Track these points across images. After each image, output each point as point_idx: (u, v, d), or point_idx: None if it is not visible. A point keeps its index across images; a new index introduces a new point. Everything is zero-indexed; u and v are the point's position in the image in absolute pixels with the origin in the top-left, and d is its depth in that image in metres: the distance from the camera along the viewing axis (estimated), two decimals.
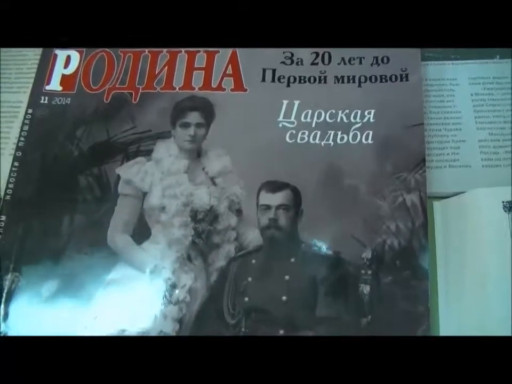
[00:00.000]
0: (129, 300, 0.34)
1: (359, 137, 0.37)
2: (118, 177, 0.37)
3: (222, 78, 0.40)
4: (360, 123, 0.37)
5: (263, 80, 0.39)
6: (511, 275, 0.33)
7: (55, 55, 0.42)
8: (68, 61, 0.42)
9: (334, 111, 0.37)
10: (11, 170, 0.38)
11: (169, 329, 0.33)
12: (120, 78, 0.41)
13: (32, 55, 0.46)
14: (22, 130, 0.40)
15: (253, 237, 0.35)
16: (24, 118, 0.40)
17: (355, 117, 0.37)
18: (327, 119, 0.38)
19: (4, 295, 0.35)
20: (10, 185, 0.38)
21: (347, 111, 0.37)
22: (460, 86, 0.41)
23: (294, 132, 0.37)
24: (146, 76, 0.40)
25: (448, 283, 0.34)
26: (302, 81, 0.39)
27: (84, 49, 0.43)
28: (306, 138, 0.37)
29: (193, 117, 0.39)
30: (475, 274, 0.33)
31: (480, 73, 0.41)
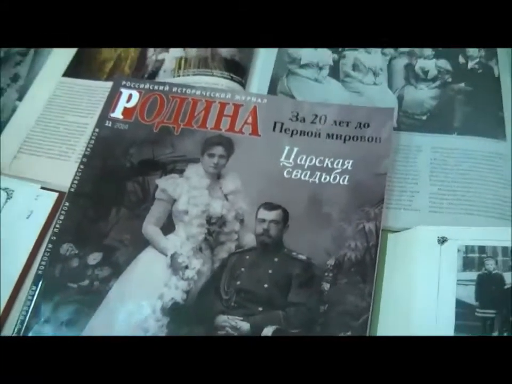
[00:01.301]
0: (152, 274, 0.48)
1: (338, 179, 0.51)
2: (157, 186, 0.52)
3: (243, 125, 0.55)
4: (340, 169, 0.51)
5: (273, 130, 0.54)
6: (436, 289, 0.46)
7: (121, 92, 0.58)
8: (130, 97, 0.57)
9: (322, 158, 0.52)
10: (77, 171, 0.53)
11: (179, 297, 0.46)
12: (168, 115, 0.56)
13: (101, 90, 0.62)
14: (88, 143, 0.55)
15: (249, 240, 0.49)
16: (92, 134, 0.55)
17: (337, 164, 0.52)
18: (316, 163, 0.52)
19: (62, 259, 0.49)
20: (75, 182, 0.53)
21: (332, 159, 0.52)
22: (423, 152, 0.55)
23: (290, 170, 0.52)
24: (187, 116, 0.56)
25: (389, 290, 0.47)
26: (302, 134, 0.54)
27: (143, 90, 0.58)
28: (299, 176, 0.51)
29: (218, 150, 0.53)
30: (406, 287, 0.46)
31: (441, 144, 0.56)
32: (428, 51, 0.62)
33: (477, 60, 0.61)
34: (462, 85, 0.59)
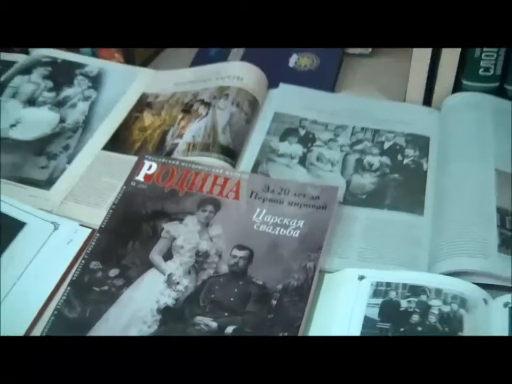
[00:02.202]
0: (153, 286, 0.69)
1: (291, 232, 0.73)
2: (163, 228, 0.74)
3: (229, 192, 0.78)
4: (295, 226, 0.73)
5: (250, 197, 0.77)
6: (351, 309, 0.66)
7: (144, 163, 0.82)
8: (150, 167, 0.81)
9: (282, 218, 0.74)
10: (106, 214, 0.76)
11: (170, 302, 0.67)
12: (176, 181, 0.79)
13: (130, 161, 0.85)
14: (117, 196, 0.78)
15: (224, 269, 0.71)
16: (120, 190, 0.79)
17: (293, 223, 0.74)
18: (278, 221, 0.74)
19: (90, 271, 0.71)
20: (105, 221, 0.75)
21: (289, 219, 0.74)
22: (359, 220, 0.76)
23: (258, 224, 0.74)
24: (190, 183, 0.79)
25: (319, 307, 0.68)
26: (270, 201, 0.77)
27: (160, 163, 0.82)
28: (264, 229, 0.74)
29: (209, 208, 0.76)
30: (332, 306, 0.67)
31: (373, 215, 0.77)
32: (376, 150, 0.86)
33: (411, 158, 0.84)
34: (396, 175, 0.82)
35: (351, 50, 1.05)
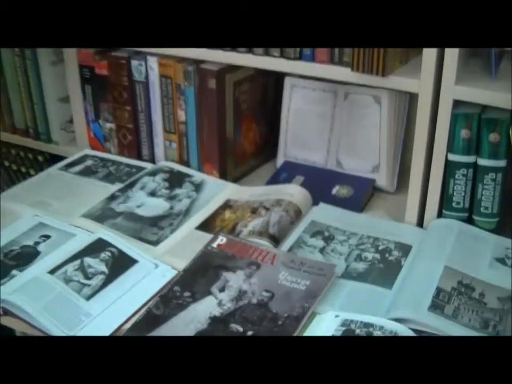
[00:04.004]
0: (209, 304, 1.19)
1: (301, 287, 1.21)
2: (222, 274, 1.25)
3: (268, 260, 1.28)
4: (303, 283, 1.22)
5: (280, 264, 1.27)
6: (325, 331, 1.12)
7: (218, 237, 1.34)
8: (222, 239, 1.34)
9: (297, 278, 1.23)
10: (189, 263, 1.28)
11: (218, 314, 1.17)
12: (236, 250, 1.31)
13: (209, 237, 1.38)
14: (198, 253, 1.30)
15: (254, 301, 1.20)
16: (200, 250, 1.31)
17: (302, 281, 1.22)
18: (293, 280, 1.23)
19: (172, 291, 1.22)
20: (188, 266, 1.27)
21: (301, 279, 1.23)
22: (346, 286, 1.24)
23: (281, 280, 1.24)
24: (244, 251, 1.31)
25: (309, 330, 1.14)
26: (292, 268, 1.26)
27: (229, 239, 1.34)
28: (284, 283, 1.23)
29: (253, 267, 1.27)
30: (311, 333, 1.13)
31: (358, 287, 1.24)
32: (372, 249, 1.34)
33: (395, 257, 1.31)
34: (381, 265, 1.29)
35: (379, 185, 1.56)
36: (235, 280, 1.24)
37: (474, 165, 1.31)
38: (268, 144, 1.76)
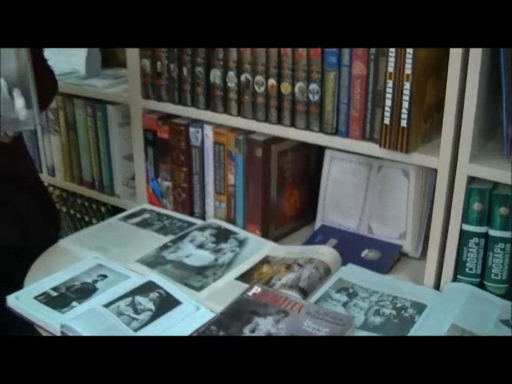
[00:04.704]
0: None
1: (321, 333, 1.40)
2: (254, 319, 1.46)
3: (295, 309, 1.48)
4: (323, 330, 1.41)
5: (305, 313, 1.47)
6: None
7: (253, 287, 1.55)
8: (256, 289, 1.54)
9: (318, 326, 1.43)
10: (226, 307, 1.49)
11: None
12: (269, 299, 1.52)
13: (246, 286, 1.59)
14: (235, 299, 1.51)
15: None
16: (237, 297, 1.52)
17: (323, 328, 1.41)
18: (315, 327, 1.42)
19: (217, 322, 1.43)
20: (225, 309, 1.48)
21: (322, 327, 1.42)
22: (359, 334, 1.42)
23: (305, 327, 1.43)
24: (275, 301, 1.51)
25: None
26: (315, 317, 1.45)
27: (263, 288, 1.55)
28: (307, 329, 1.42)
29: (281, 314, 1.47)
30: None
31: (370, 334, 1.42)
32: (390, 306, 1.52)
33: (410, 314, 1.49)
34: (396, 320, 1.47)
35: (405, 251, 1.76)
36: (265, 324, 1.44)
37: (486, 235, 1.49)
38: (308, 208, 1.98)
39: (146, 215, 1.99)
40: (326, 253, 1.71)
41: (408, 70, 1.42)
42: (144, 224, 1.93)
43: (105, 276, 1.61)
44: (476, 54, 1.34)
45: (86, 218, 2.36)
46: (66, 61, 2.30)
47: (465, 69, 1.38)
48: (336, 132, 1.62)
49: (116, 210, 2.18)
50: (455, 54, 1.37)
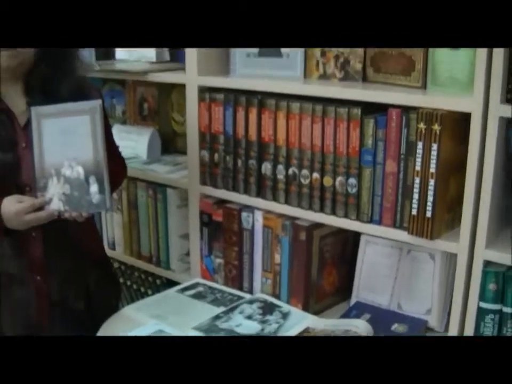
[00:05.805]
0: None
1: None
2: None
3: None
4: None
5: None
6: None
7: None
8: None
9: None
10: None
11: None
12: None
13: None
14: None
15: None
16: None
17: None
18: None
19: None
20: None
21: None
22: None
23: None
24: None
25: None
26: None
27: None
28: None
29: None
30: None
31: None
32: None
33: None
34: None
35: (430, 326, 2.04)
36: None
37: (500, 312, 1.77)
38: (344, 286, 2.27)
39: (200, 288, 2.29)
40: (360, 326, 1.99)
41: (432, 169, 1.75)
42: (198, 296, 2.23)
43: None
44: (490, 155, 1.67)
45: (142, 289, 2.67)
46: (130, 147, 2.66)
47: (481, 169, 1.70)
48: (370, 220, 1.94)
49: (169, 283, 2.50)
50: (473, 153, 1.70)
